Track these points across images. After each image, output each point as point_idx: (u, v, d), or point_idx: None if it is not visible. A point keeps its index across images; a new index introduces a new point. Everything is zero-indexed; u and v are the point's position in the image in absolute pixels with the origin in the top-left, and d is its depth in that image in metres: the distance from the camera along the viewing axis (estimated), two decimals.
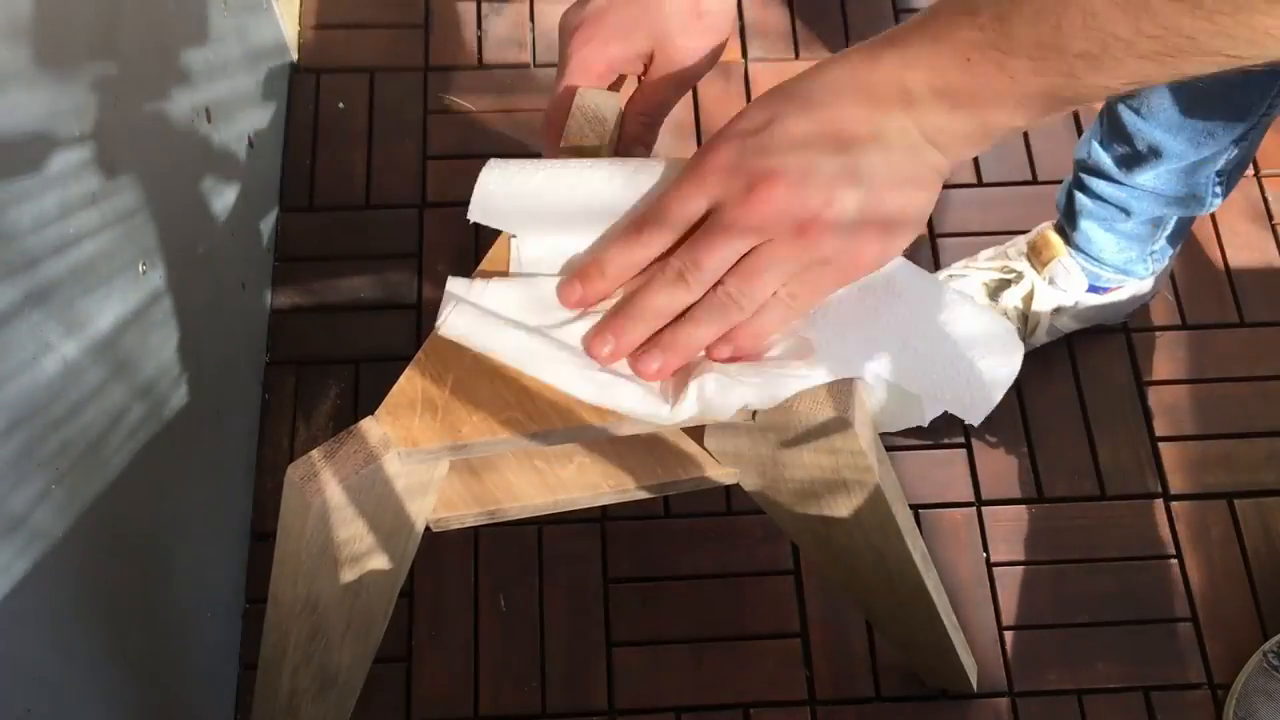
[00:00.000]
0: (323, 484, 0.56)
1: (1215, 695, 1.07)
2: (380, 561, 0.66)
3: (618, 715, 1.06)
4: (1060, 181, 1.13)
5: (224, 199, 1.08)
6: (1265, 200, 1.28)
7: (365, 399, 1.18)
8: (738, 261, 0.52)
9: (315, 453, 0.57)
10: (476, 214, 0.59)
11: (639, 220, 0.54)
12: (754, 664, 1.08)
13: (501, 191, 0.58)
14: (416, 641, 1.08)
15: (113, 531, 0.83)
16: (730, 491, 1.13)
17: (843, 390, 0.59)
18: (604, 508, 1.07)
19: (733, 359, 0.56)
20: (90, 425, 0.80)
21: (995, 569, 1.11)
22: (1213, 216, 1.26)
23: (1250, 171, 1.28)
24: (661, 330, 0.55)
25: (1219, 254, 1.25)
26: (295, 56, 1.33)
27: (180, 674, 0.97)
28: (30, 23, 0.71)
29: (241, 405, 1.13)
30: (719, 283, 0.53)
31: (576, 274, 0.56)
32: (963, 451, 1.16)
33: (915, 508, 1.13)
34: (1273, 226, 1.27)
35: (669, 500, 1.13)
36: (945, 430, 1.16)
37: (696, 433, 0.67)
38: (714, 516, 1.13)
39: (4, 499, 0.68)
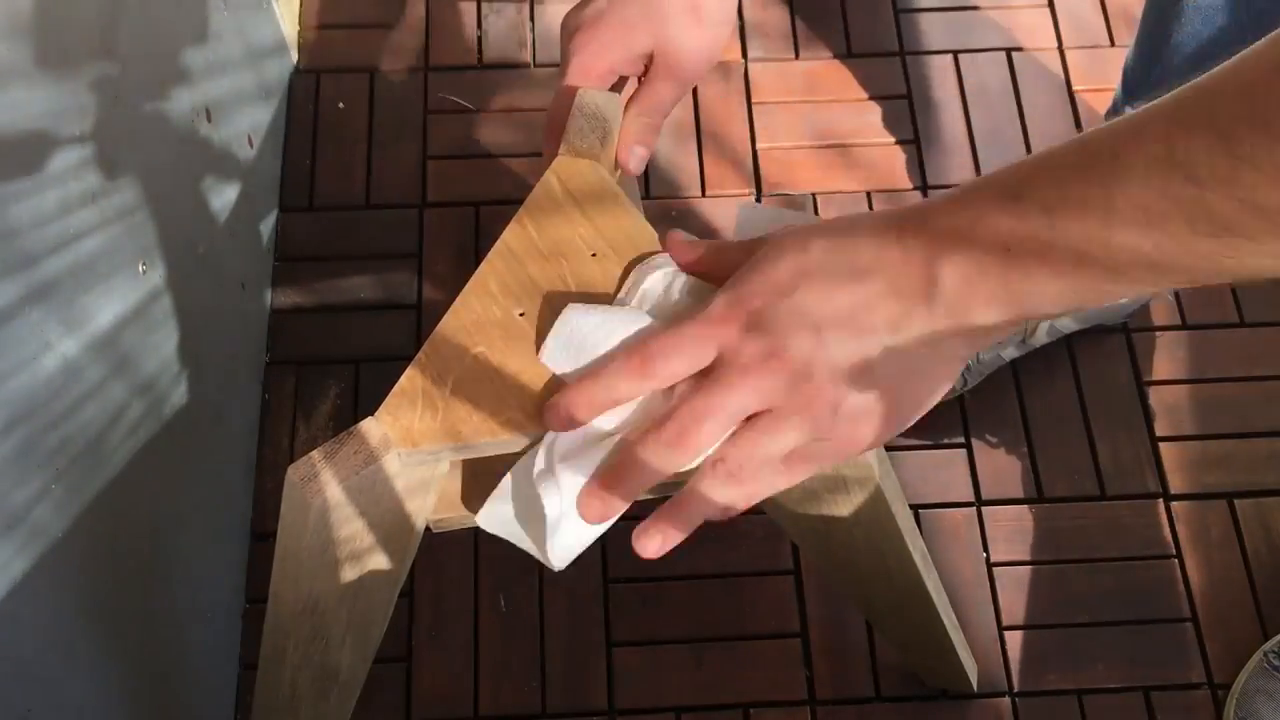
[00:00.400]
0: (323, 484, 0.56)
1: (1215, 695, 1.06)
2: (380, 561, 0.66)
3: (618, 715, 1.06)
4: None
5: (224, 199, 1.08)
6: None
7: (365, 399, 1.18)
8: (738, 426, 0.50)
9: (315, 453, 0.57)
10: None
11: (646, 350, 0.51)
12: (754, 664, 1.07)
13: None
14: (416, 641, 1.08)
15: (113, 531, 0.83)
16: None
17: None
18: None
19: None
20: (90, 424, 0.80)
21: (995, 569, 1.11)
22: None
23: None
24: (663, 505, 0.53)
25: None
26: (295, 56, 1.33)
27: (180, 674, 0.97)
28: (30, 22, 0.71)
29: (241, 405, 1.13)
30: (718, 458, 0.50)
31: (568, 392, 0.52)
32: (963, 451, 1.16)
33: (915, 508, 1.13)
34: None
35: None
36: (945, 430, 1.16)
37: None
38: None
39: (3, 497, 0.68)
